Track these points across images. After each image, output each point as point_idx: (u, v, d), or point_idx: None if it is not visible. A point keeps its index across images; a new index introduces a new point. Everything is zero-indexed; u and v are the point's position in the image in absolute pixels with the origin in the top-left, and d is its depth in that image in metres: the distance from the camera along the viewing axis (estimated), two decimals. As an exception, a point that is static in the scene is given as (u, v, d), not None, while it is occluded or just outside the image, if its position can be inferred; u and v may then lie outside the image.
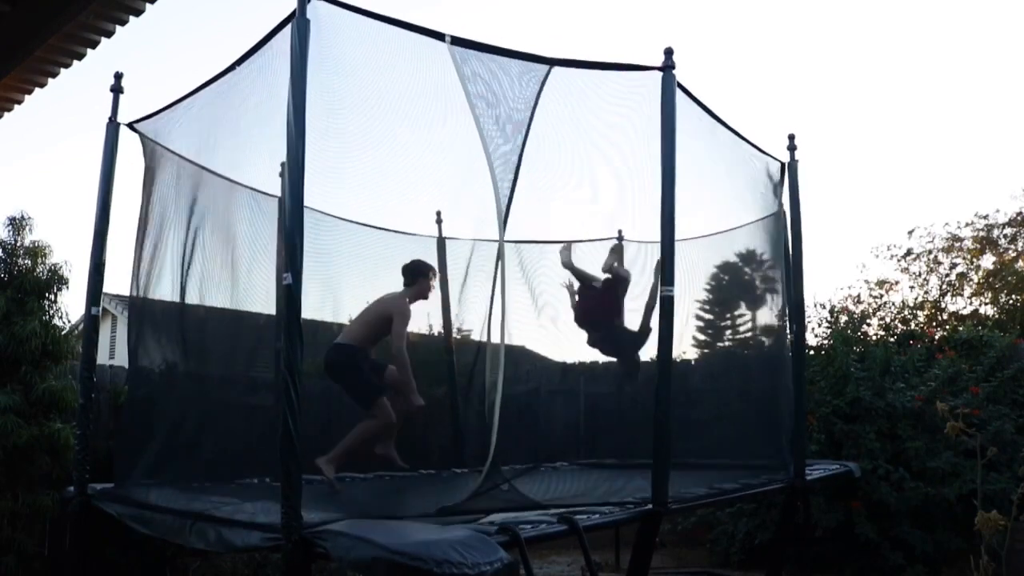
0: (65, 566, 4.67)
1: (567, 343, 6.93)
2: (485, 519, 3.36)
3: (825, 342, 8.20)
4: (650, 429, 3.72)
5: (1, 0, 4.45)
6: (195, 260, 4.38)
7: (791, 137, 5.53)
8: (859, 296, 14.04)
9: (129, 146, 4.58)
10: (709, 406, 5.86)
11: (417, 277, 5.17)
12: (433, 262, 6.60)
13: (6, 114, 5.58)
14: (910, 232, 15.30)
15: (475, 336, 6.64)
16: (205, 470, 4.25)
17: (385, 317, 4.90)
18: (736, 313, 6.52)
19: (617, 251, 6.54)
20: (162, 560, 4.72)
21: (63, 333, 5.19)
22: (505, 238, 3.85)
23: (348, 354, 4.82)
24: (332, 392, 5.60)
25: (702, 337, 6.48)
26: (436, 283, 5.34)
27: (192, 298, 4.40)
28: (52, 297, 5.13)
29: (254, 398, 4.92)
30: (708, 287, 6.02)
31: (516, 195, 4.31)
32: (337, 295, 5.57)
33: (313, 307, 5.34)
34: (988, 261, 14.32)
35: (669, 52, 3.92)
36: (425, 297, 5.27)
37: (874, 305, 13.87)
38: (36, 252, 5.14)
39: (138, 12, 4.50)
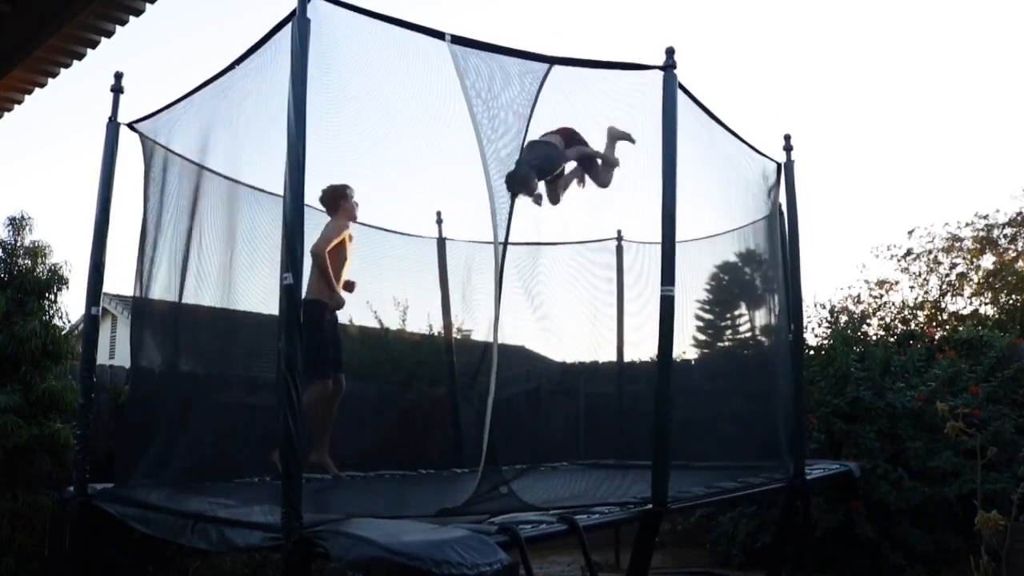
0: (65, 566, 4.67)
1: (567, 343, 6.94)
2: (485, 518, 3.36)
3: (825, 342, 8.20)
4: (650, 429, 3.72)
5: (1, 0, 4.46)
6: (196, 260, 4.38)
7: (787, 138, 5.54)
8: (859, 296, 14.06)
9: (129, 146, 4.60)
10: (709, 406, 5.87)
11: (338, 201, 5.04)
12: (434, 263, 6.64)
13: (6, 114, 5.58)
14: (910, 232, 15.33)
15: (475, 336, 6.65)
16: (206, 469, 4.25)
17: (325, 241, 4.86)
18: (736, 313, 6.53)
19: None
20: (161, 560, 4.72)
21: (63, 333, 5.18)
22: (503, 239, 3.84)
23: (314, 311, 4.72)
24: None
25: (702, 337, 6.49)
26: (357, 199, 5.14)
27: (193, 298, 4.40)
28: (52, 297, 5.13)
29: (255, 398, 4.92)
30: (708, 287, 6.03)
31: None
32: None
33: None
34: (988, 261, 14.34)
35: (670, 52, 3.91)
36: (354, 218, 5.15)
37: (874, 305, 13.88)
38: (36, 252, 5.13)
39: (138, 12, 4.50)
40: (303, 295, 4.62)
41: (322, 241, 4.85)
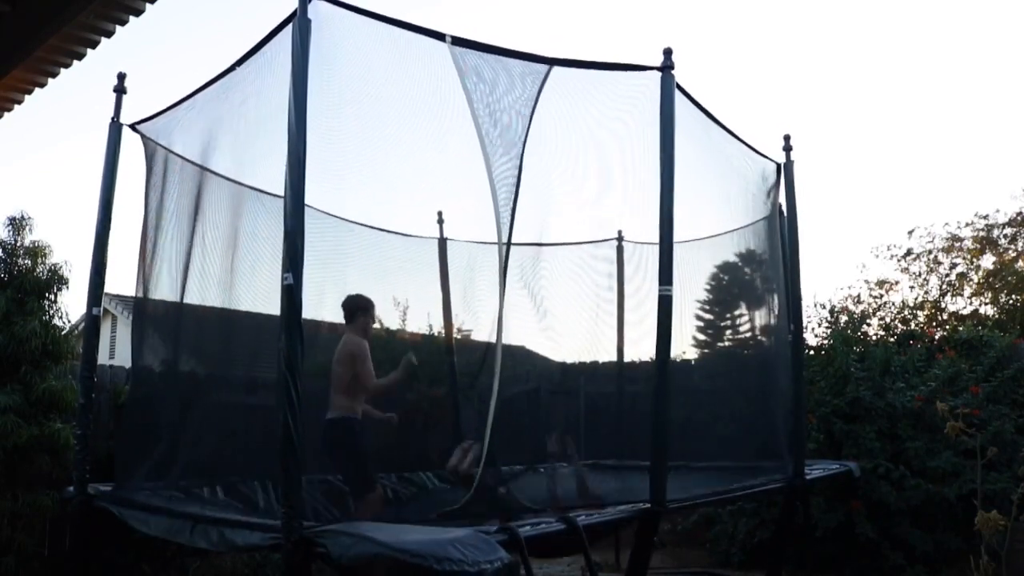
0: (65, 566, 4.67)
1: (567, 343, 6.93)
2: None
3: (825, 342, 8.20)
4: (649, 429, 3.73)
5: (1, 0, 4.46)
6: (197, 260, 4.38)
7: (787, 138, 5.55)
8: (859, 296, 14.05)
9: (131, 146, 4.60)
10: (708, 406, 5.86)
11: (356, 314, 5.01)
12: (435, 263, 6.63)
13: (6, 114, 5.59)
14: (910, 232, 15.33)
15: (476, 336, 6.64)
16: (206, 470, 4.25)
17: (347, 364, 4.79)
18: (736, 313, 6.52)
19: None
20: (161, 560, 4.72)
21: (63, 333, 5.18)
22: (506, 239, 3.84)
23: (344, 429, 4.68)
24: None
25: (702, 337, 6.48)
26: (377, 317, 5.17)
27: (195, 298, 4.41)
28: (52, 297, 5.13)
29: (255, 398, 4.93)
30: (708, 287, 6.02)
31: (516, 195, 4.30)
32: (338, 295, 5.56)
33: (313, 307, 5.33)
34: (988, 261, 14.33)
35: (668, 52, 3.93)
36: (367, 335, 5.07)
37: (874, 305, 13.88)
38: (36, 252, 5.14)
39: (138, 12, 4.51)
40: (331, 415, 4.70)
41: (368, 376, 4.82)
